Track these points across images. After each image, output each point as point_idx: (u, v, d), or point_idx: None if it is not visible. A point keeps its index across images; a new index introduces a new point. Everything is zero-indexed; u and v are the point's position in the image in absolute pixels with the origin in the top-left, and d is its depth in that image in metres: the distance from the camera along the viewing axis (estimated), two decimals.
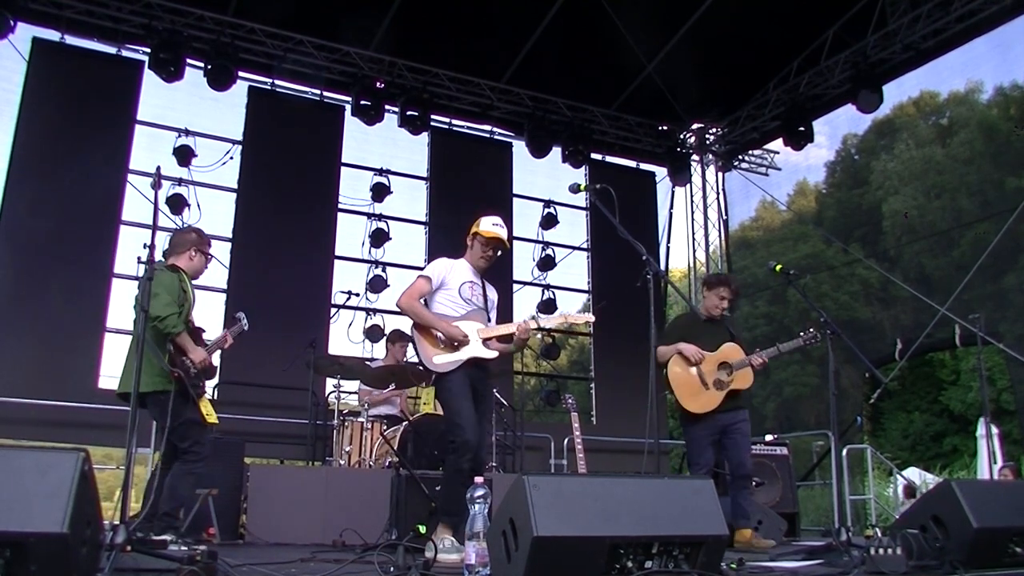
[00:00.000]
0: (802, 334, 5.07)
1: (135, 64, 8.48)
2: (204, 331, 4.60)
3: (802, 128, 9.76)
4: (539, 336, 9.61)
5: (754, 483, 6.78)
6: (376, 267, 9.41)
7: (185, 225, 4.63)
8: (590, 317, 4.56)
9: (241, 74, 8.70)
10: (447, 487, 4.21)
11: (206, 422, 4.34)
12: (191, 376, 4.24)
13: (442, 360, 4.20)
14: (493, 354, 4.29)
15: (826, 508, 9.61)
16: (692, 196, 11.73)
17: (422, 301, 4.38)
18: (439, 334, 4.22)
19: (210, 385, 5.01)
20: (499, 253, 4.43)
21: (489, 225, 4.40)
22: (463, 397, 4.14)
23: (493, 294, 4.59)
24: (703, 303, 5.49)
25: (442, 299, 4.36)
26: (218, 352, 4.65)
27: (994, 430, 7.65)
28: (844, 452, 7.87)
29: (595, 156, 10.70)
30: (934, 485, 4.41)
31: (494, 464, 6.75)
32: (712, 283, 5.46)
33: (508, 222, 10.38)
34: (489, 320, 4.45)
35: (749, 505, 5.28)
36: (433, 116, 9.65)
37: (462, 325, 4.27)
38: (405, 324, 9.10)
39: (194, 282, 4.61)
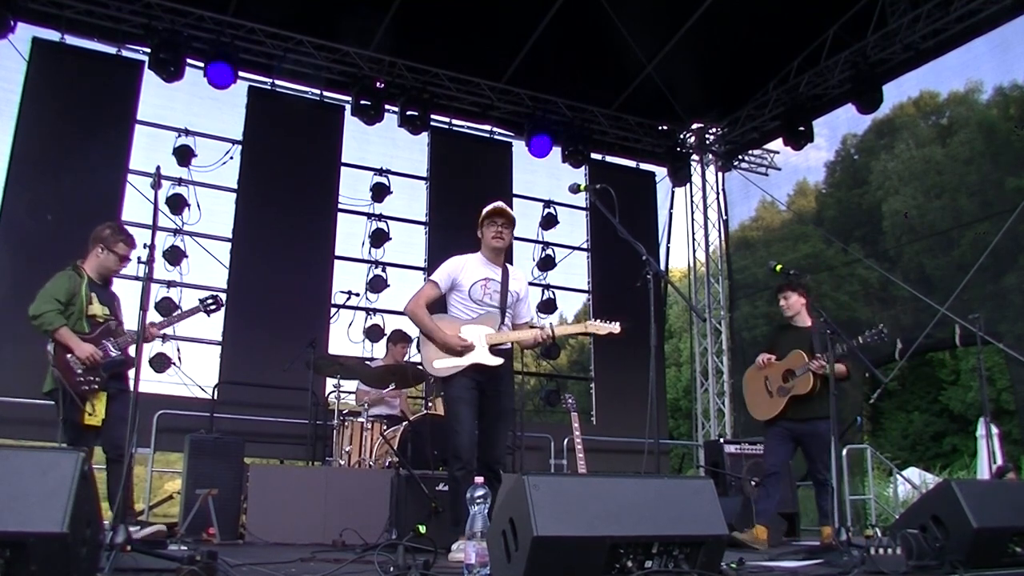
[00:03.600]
0: (866, 332, 4.93)
1: (135, 64, 8.48)
2: (117, 325, 4.58)
3: (802, 128, 9.76)
4: None
5: (753, 483, 6.80)
6: (376, 267, 9.41)
7: (105, 223, 4.74)
8: (614, 328, 4.26)
9: (241, 74, 8.70)
10: (449, 495, 4.26)
11: (84, 424, 4.24)
12: (75, 373, 4.24)
13: (442, 365, 4.19)
14: (497, 361, 4.22)
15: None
16: (692, 196, 11.73)
17: (450, 302, 4.34)
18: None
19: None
20: (509, 225, 4.37)
21: (487, 208, 4.42)
22: (462, 403, 4.14)
23: (518, 285, 4.45)
24: None
25: (455, 301, 4.34)
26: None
27: (994, 430, 7.63)
28: (844, 452, 7.87)
29: (595, 156, 10.70)
30: (934, 485, 4.41)
31: None
32: (775, 290, 5.62)
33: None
34: (506, 319, 4.33)
35: (827, 505, 5.26)
36: (433, 116, 9.65)
37: (469, 331, 4.22)
38: (406, 325, 9.15)
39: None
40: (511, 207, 10.40)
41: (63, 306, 4.33)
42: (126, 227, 4.85)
